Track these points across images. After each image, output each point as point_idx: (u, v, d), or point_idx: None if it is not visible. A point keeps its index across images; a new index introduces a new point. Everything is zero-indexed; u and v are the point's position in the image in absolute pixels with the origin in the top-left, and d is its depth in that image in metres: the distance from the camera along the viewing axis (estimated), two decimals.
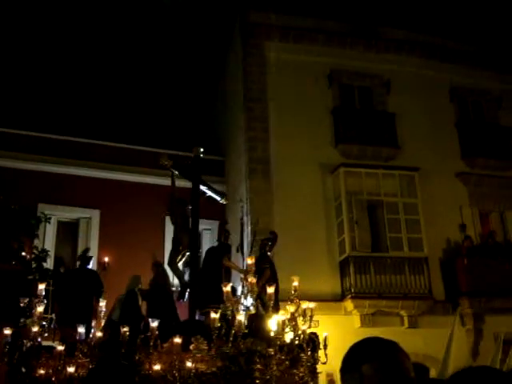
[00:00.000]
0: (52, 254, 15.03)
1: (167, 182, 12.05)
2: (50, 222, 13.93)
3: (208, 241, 16.05)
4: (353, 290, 14.51)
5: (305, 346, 8.73)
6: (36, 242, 13.59)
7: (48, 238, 15.41)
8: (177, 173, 11.39)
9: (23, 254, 12.21)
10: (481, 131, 17.97)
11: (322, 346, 9.22)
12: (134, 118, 20.02)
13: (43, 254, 12.46)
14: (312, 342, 9.10)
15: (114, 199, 16.42)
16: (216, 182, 17.72)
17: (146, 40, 20.85)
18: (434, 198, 16.11)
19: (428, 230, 15.55)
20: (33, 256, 12.22)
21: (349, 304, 14.57)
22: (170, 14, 20.13)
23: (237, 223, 15.89)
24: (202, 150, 11.36)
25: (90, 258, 12.03)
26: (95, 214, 16.49)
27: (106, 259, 15.61)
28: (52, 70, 20.34)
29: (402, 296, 14.70)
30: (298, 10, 17.87)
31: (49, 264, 13.28)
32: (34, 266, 12.08)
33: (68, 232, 16.52)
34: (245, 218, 15.47)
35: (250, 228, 15.11)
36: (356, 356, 2.47)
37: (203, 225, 15.32)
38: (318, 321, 14.20)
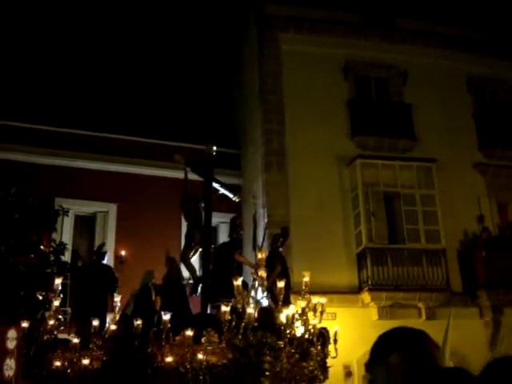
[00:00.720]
0: (69, 247, 15.13)
1: (183, 175, 12.08)
2: (67, 215, 13.99)
3: (225, 233, 16.02)
4: (370, 282, 14.45)
5: (315, 340, 8.79)
6: (54, 235, 13.68)
7: (65, 232, 15.50)
8: (189, 169, 11.46)
9: (41, 247, 12.28)
10: (498, 122, 17.79)
11: (332, 341, 9.39)
12: (150, 111, 20.02)
13: (61, 247, 12.52)
14: (322, 336, 9.15)
15: (130, 193, 16.46)
16: (232, 175, 17.81)
17: (162, 33, 20.86)
18: (451, 189, 15.99)
19: (445, 221, 15.43)
20: (51, 249, 12.28)
21: (366, 296, 14.52)
22: (185, 7, 20.12)
23: (256, 216, 15.90)
24: (214, 147, 11.47)
25: (105, 253, 12.12)
26: (112, 208, 16.55)
27: (123, 253, 15.74)
28: (70, 65, 20.42)
29: (419, 288, 14.62)
30: (312, 1, 17.78)
31: (66, 257, 13.35)
32: (52, 259, 12.15)
33: (85, 226, 16.61)
34: (261, 211, 15.46)
35: (266, 221, 15.11)
36: (383, 346, 2.45)
37: (220, 218, 15.40)
38: (334, 313, 14.33)
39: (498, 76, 18.25)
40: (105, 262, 12.12)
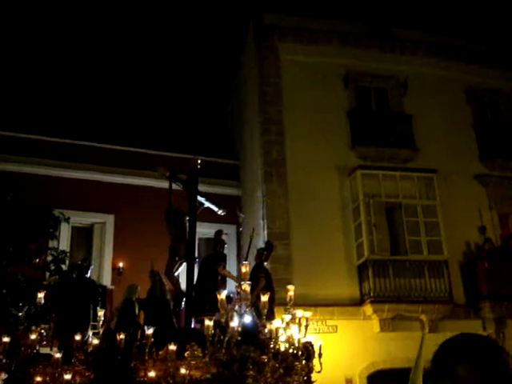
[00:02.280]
0: (67, 259, 14.92)
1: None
2: (69, 222, 13.76)
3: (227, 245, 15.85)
4: (372, 294, 14.26)
5: (300, 354, 8.71)
6: (51, 246, 13.48)
7: (62, 244, 15.27)
8: (178, 184, 11.35)
9: (37, 260, 12.06)
10: (499, 132, 17.72)
11: (316, 355, 9.29)
12: (147, 122, 19.93)
13: (62, 256, 12.30)
14: (307, 350, 9.05)
15: (128, 204, 16.29)
16: (231, 186, 17.69)
17: (161, 44, 20.79)
18: (452, 200, 15.87)
19: (447, 232, 15.28)
20: (51, 258, 12.07)
21: (368, 308, 14.33)
22: (183, 16, 20.04)
23: (255, 226, 15.70)
24: (199, 161, 11.40)
25: (89, 267, 11.95)
26: (109, 219, 16.36)
27: (121, 264, 15.52)
28: (65, 76, 20.29)
29: (421, 300, 14.44)
30: (311, 11, 17.72)
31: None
32: (52, 268, 11.93)
33: (82, 237, 16.39)
34: (261, 222, 15.29)
35: (266, 232, 14.93)
36: (448, 355, 2.13)
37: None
38: (336, 326, 14.18)
39: (497, 86, 18.21)
40: (88, 275, 11.94)
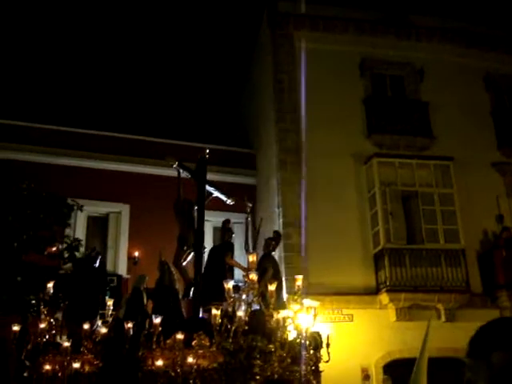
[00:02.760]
0: (83, 248, 14.96)
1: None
2: (82, 210, 13.78)
3: (239, 234, 15.80)
4: (388, 283, 14.16)
5: (307, 344, 8.72)
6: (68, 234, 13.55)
7: (78, 233, 15.32)
8: (186, 173, 11.32)
9: (53, 249, 12.11)
10: None
11: (324, 345, 9.33)
12: (163, 111, 19.91)
13: (76, 244, 12.33)
14: (314, 340, 9.02)
15: (143, 193, 16.29)
16: (246, 174, 17.64)
17: (173, 32, 20.72)
18: (469, 188, 15.70)
19: (464, 221, 15.12)
20: (65, 246, 12.11)
21: (384, 297, 14.23)
22: (197, 3, 19.96)
23: (270, 216, 15.67)
24: (207, 150, 11.39)
25: (97, 256, 11.98)
26: (125, 209, 16.38)
27: (136, 253, 15.54)
28: (83, 66, 20.33)
29: (438, 289, 14.32)
30: None
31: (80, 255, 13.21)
32: (66, 256, 11.97)
33: (98, 227, 16.43)
34: (276, 210, 15.24)
35: (281, 220, 14.88)
36: (485, 340, 2.06)
37: (235, 218, 15.18)
38: (351, 315, 14.11)
39: None
40: (96, 265, 11.97)
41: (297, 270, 14.13)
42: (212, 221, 16.12)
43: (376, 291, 14.43)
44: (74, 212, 14.45)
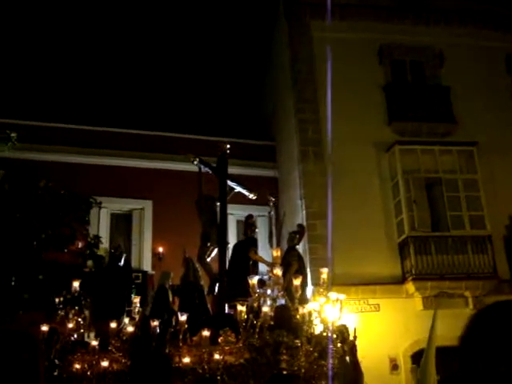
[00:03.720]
0: (107, 245, 15.04)
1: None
2: (100, 207, 13.84)
3: (263, 228, 15.78)
4: (414, 272, 14.06)
5: (334, 337, 8.63)
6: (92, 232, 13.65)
7: (102, 230, 15.41)
8: (207, 169, 11.29)
9: (78, 246, 12.19)
10: None
11: (351, 338, 9.25)
12: (183, 106, 19.92)
13: (95, 241, 12.38)
14: (341, 334, 9.00)
15: (165, 189, 16.31)
16: (267, 167, 17.59)
17: (190, 27, 20.70)
18: (494, 173, 15.52)
19: (489, 206, 14.94)
20: (84, 243, 12.18)
21: (410, 286, 14.14)
22: None
23: (292, 208, 15.63)
24: (228, 145, 11.23)
25: (121, 254, 12.03)
26: (148, 205, 16.42)
27: (161, 249, 15.55)
28: (99, 64, 20.40)
29: (465, 276, 14.18)
30: None
31: (103, 253, 13.29)
32: (87, 252, 12.05)
33: (121, 223, 16.51)
34: (299, 202, 15.19)
35: (304, 212, 14.82)
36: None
37: (258, 211, 15.15)
38: (378, 304, 14.04)
39: None
40: (121, 263, 12.02)
41: (322, 261, 14.07)
42: (235, 214, 16.10)
43: (402, 280, 14.33)
44: (97, 210, 14.56)
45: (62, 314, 9.31)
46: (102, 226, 15.66)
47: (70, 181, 14.51)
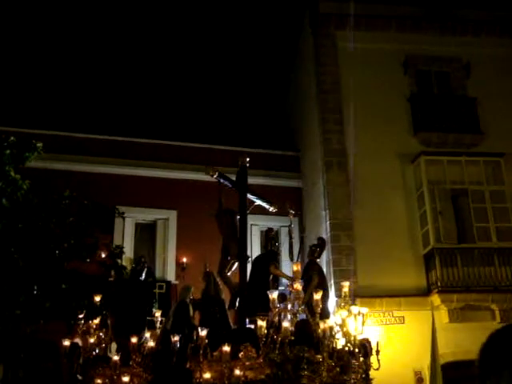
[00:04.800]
0: (131, 255, 15.13)
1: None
2: (123, 217, 13.92)
3: (287, 237, 15.73)
4: (439, 284, 13.88)
5: (356, 352, 8.53)
6: (117, 242, 13.74)
7: (127, 240, 15.52)
8: (227, 183, 11.26)
9: (102, 255, 12.27)
10: None
11: (374, 352, 9.16)
12: (208, 117, 19.99)
13: (117, 250, 12.45)
14: (364, 348, 8.84)
15: (190, 199, 16.34)
16: (291, 177, 17.56)
17: (216, 39, 20.81)
18: None
19: None
20: (107, 253, 12.25)
21: (435, 298, 13.96)
22: (238, 6, 19.98)
23: (316, 218, 15.57)
24: (248, 159, 11.18)
25: (143, 268, 12.05)
26: (172, 215, 16.48)
27: (184, 259, 15.61)
28: (128, 73, 20.57)
29: (492, 289, 13.96)
30: None
31: (127, 263, 13.35)
32: (109, 263, 12.11)
33: (146, 233, 16.58)
34: (322, 213, 15.12)
35: (328, 222, 14.75)
36: (496, 354, 1.86)
37: (281, 222, 15.13)
38: (403, 317, 13.88)
39: None
40: (142, 277, 12.05)
41: (345, 272, 14.04)
42: (259, 225, 16.12)
43: (427, 292, 14.16)
44: (121, 219, 14.63)
45: (84, 328, 9.37)
46: (126, 235, 15.77)
47: (95, 190, 14.69)
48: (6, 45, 18.60)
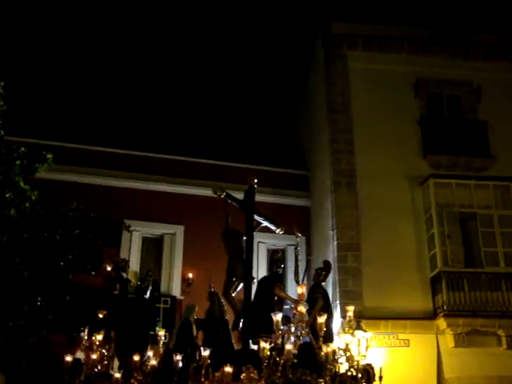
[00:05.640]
0: (137, 269, 15.11)
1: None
2: (129, 231, 13.94)
3: (292, 256, 15.69)
4: (445, 308, 13.75)
5: (359, 377, 8.44)
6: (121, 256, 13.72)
7: (133, 254, 15.52)
8: (234, 204, 11.25)
9: (108, 269, 12.27)
10: None
11: (377, 378, 9.09)
12: (216, 133, 20.06)
13: (123, 264, 12.43)
14: (367, 373, 8.75)
15: (197, 215, 16.32)
16: (300, 196, 17.55)
17: (227, 57, 20.95)
18: None
19: None
20: (112, 266, 12.25)
21: (441, 322, 13.83)
22: (251, 26, 20.13)
23: (324, 238, 15.53)
24: (256, 180, 11.15)
25: (147, 288, 12.05)
26: (179, 230, 16.46)
27: (190, 275, 15.59)
28: (135, 89, 20.71)
29: (499, 314, 13.82)
30: (380, 18, 17.46)
31: (132, 277, 13.34)
32: (114, 275, 12.11)
33: (153, 248, 16.56)
34: (330, 233, 15.07)
35: (335, 243, 14.70)
36: None
37: (288, 240, 15.11)
38: (408, 340, 13.77)
39: None
40: (147, 295, 12.03)
41: (351, 293, 13.98)
42: (266, 243, 16.10)
43: (433, 316, 14.04)
44: (128, 233, 14.64)
45: (87, 344, 9.35)
46: (133, 249, 15.77)
47: (103, 203, 14.72)
48: (17, 56, 18.78)
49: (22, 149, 10.81)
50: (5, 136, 11.03)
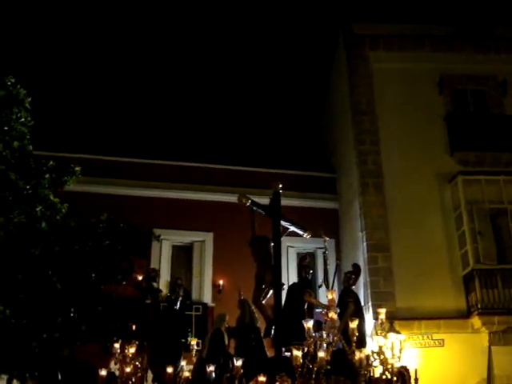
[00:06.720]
0: (168, 277, 15.18)
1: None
2: (158, 240, 13.98)
3: (321, 259, 15.63)
4: (479, 306, 13.60)
5: (394, 380, 8.35)
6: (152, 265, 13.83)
7: (164, 262, 15.63)
8: (260, 211, 11.16)
9: (139, 278, 12.33)
10: None
11: (412, 380, 8.84)
12: (242, 139, 20.11)
13: (153, 273, 12.49)
14: (402, 376, 8.64)
15: (226, 221, 16.35)
16: (328, 199, 17.50)
17: (253, 59, 21.02)
18: None
19: None
20: (143, 276, 12.31)
21: (476, 321, 13.68)
22: (272, 30, 20.19)
23: (353, 240, 15.46)
24: (280, 185, 11.03)
25: (177, 299, 12.05)
26: (209, 237, 16.52)
27: (221, 282, 15.64)
28: (160, 99, 20.89)
29: None
30: (400, 17, 17.37)
31: (163, 287, 13.39)
32: (144, 286, 12.17)
33: (182, 255, 16.64)
34: (359, 234, 15.01)
35: (365, 244, 14.63)
36: None
37: (317, 243, 15.04)
38: (442, 339, 13.62)
39: None
40: (177, 307, 12.06)
41: (383, 294, 13.90)
42: (295, 247, 16.09)
43: (467, 314, 13.89)
44: (157, 242, 14.72)
45: (120, 358, 9.40)
46: (163, 257, 15.87)
47: (132, 213, 14.82)
48: (42, 72, 19.05)
49: (51, 162, 10.98)
50: (33, 151, 11.22)
